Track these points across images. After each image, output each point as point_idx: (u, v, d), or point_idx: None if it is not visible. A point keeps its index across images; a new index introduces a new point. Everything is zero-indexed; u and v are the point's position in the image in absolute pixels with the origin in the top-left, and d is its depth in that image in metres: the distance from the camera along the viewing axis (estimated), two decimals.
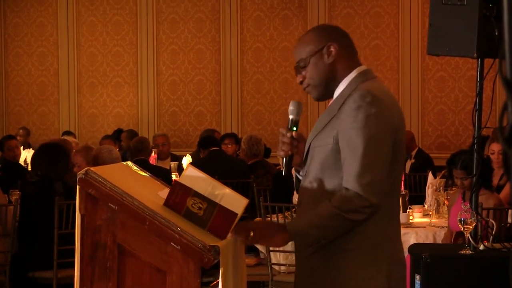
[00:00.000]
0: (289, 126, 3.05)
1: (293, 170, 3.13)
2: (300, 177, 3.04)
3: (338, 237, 2.80)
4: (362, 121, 2.77)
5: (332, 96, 2.99)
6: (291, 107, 3.06)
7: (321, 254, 2.85)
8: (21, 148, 9.75)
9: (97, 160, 6.23)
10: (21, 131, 11.96)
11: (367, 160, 2.75)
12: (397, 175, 2.91)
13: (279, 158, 3.09)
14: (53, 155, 6.33)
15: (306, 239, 2.82)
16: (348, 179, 2.78)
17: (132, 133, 10.82)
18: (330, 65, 2.94)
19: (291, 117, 3.06)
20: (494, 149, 7.01)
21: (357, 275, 2.82)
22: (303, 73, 2.97)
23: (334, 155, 2.83)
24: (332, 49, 2.93)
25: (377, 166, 2.76)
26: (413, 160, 10.02)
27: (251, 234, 2.81)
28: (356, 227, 2.80)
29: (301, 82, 3.00)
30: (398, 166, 2.89)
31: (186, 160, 9.24)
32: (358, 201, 2.75)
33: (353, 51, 3.00)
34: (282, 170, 3.06)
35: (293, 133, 3.03)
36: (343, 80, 2.94)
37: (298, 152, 3.02)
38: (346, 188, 2.78)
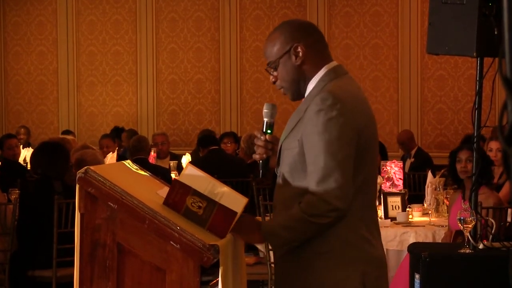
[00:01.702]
0: (264, 129, 3.03)
1: None
2: None
3: (309, 240, 2.80)
4: (323, 125, 2.75)
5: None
6: (265, 110, 3.04)
7: (296, 257, 2.84)
8: (21, 147, 9.73)
9: (81, 164, 6.16)
10: (22, 129, 11.91)
11: (329, 165, 2.74)
12: (368, 174, 2.88)
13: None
14: (53, 154, 6.32)
15: (277, 240, 2.83)
16: (312, 184, 2.77)
17: (133, 133, 10.78)
18: (299, 66, 2.91)
19: (265, 120, 3.04)
20: (492, 147, 6.99)
21: (332, 276, 2.81)
22: (275, 73, 2.95)
23: (300, 158, 2.82)
24: (299, 49, 2.90)
25: (339, 170, 2.74)
26: (412, 159, 10.03)
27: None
28: (328, 229, 2.78)
29: (274, 83, 2.98)
30: (369, 165, 2.87)
31: (186, 159, 9.24)
32: (323, 206, 2.74)
33: (322, 47, 2.96)
34: (259, 172, 3.06)
35: (267, 136, 3.01)
36: (312, 79, 2.91)
37: (274, 153, 3.00)
38: (312, 193, 2.77)
